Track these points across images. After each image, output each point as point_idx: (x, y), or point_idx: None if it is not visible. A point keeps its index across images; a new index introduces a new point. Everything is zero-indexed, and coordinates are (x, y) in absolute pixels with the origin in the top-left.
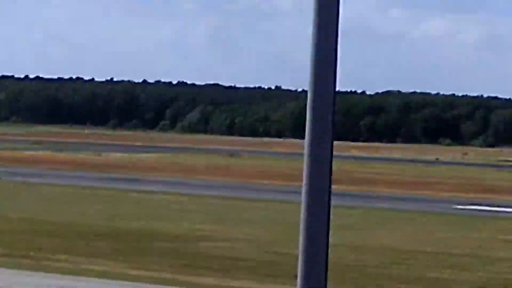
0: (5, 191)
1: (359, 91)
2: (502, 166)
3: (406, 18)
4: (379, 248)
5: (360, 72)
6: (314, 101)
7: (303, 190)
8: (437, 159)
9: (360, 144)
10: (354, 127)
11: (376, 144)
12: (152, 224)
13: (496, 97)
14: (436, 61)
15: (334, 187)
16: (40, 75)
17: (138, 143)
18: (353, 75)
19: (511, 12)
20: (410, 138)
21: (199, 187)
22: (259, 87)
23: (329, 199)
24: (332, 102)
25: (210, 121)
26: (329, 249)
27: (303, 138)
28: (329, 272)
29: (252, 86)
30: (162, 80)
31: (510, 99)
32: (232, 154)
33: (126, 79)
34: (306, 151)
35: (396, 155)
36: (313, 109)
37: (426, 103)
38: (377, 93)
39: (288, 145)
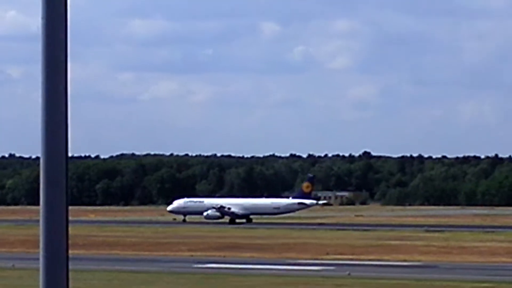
0: None
1: (93, 155)
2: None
3: (136, 81)
4: None
5: (93, 136)
6: (46, 166)
7: (41, 255)
8: (174, 219)
9: (97, 208)
10: (90, 191)
11: (113, 207)
12: None
13: (229, 156)
14: (168, 122)
15: (72, 251)
16: None
17: None
18: (86, 140)
19: (236, 69)
20: (146, 200)
21: None
22: None
23: (67, 264)
24: (65, 167)
25: None
26: None
27: (39, 204)
28: None
29: None
30: None
31: (243, 157)
32: None
33: None
34: (41, 217)
35: (134, 217)
36: (47, 174)
37: (160, 164)
38: (111, 157)
39: (24, 212)
